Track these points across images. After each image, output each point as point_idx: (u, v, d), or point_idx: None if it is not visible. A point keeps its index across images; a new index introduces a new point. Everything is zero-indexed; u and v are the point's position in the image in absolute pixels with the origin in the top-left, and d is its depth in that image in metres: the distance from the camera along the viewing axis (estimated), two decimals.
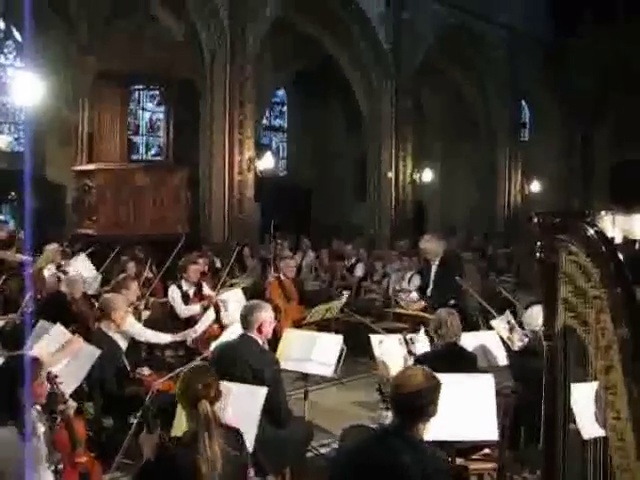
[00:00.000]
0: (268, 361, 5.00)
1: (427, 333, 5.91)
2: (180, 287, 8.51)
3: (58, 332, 5.85)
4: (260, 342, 5.07)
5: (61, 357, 5.43)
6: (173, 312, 8.47)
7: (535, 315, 5.90)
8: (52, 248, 9.42)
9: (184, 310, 8.30)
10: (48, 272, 8.92)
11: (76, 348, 5.56)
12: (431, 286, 8.37)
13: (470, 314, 8.25)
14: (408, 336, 5.54)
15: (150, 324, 7.58)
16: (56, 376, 4.37)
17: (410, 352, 5.38)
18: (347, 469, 3.32)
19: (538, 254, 2.74)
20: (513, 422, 5.00)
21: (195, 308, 8.24)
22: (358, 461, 3.27)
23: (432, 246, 8.27)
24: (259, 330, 5.05)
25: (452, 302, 7.73)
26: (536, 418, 2.81)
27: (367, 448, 3.30)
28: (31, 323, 6.28)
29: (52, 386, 4.20)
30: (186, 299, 8.47)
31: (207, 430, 3.27)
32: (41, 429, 3.81)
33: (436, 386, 3.31)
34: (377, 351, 6.05)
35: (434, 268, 8.18)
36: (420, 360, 5.29)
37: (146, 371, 5.90)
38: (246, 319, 5.11)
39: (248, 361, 4.87)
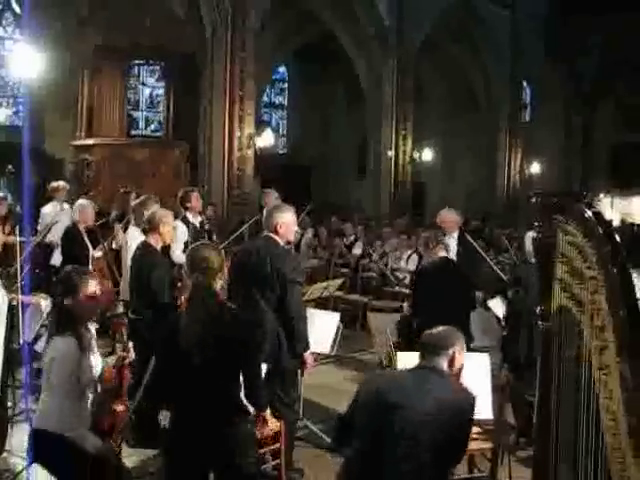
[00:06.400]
0: (286, 260, 5.15)
1: None
2: (187, 220, 7.74)
3: None
4: (279, 242, 5.18)
5: None
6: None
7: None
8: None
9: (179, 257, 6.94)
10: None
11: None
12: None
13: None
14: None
15: None
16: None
17: None
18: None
19: (536, 234, 2.75)
20: None
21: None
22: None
23: (454, 216, 8.26)
24: (275, 231, 5.16)
25: None
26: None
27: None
28: None
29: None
30: (197, 234, 7.68)
31: (199, 297, 3.47)
32: (96, 348, 3.90)
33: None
34: (374, 328, 6.09)
35: (453, 241, 8.19)
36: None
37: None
38: (265, 221, 5.34)
39: (269, 259, 5.05)
